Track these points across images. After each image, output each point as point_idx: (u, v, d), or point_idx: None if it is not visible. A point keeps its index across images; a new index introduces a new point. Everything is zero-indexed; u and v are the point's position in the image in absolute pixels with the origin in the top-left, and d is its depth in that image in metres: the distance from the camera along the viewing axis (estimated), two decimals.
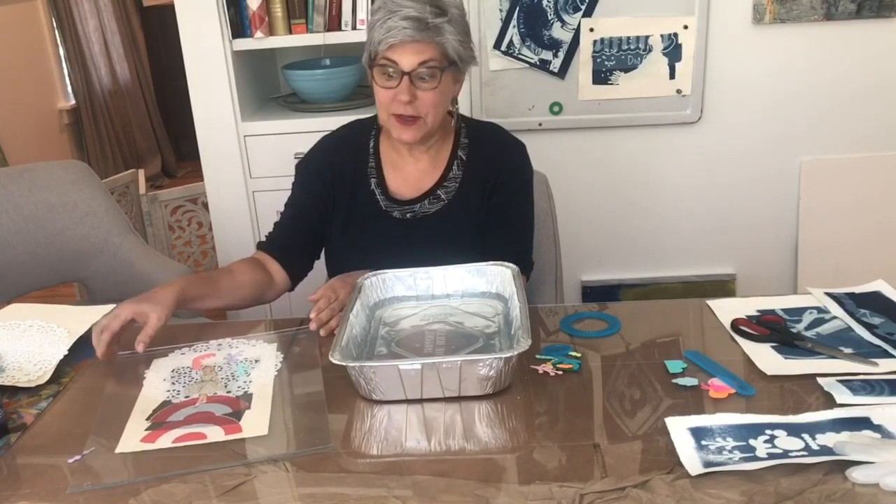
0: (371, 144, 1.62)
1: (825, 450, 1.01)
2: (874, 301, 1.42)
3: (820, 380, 1.17)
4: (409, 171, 1.59)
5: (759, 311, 1.41)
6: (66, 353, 1.41)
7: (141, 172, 3.18)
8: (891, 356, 1.23)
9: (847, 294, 1.45)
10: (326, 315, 1.42)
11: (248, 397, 1.24)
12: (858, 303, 1.41)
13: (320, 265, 1.70)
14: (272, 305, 2.47)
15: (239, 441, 1.13)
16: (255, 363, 1.34)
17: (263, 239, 1.65)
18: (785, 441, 1.04)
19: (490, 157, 1.59)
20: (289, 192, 1.67)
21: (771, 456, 1.00)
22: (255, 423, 1.17)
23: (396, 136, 1.51)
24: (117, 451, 1.13)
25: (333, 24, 2.34)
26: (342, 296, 1.44)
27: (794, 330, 1.34)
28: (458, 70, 1.49)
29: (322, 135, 1.69)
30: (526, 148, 1.63)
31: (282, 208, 1.66)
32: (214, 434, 1.14)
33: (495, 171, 1.58)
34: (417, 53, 1.42)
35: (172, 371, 1.33)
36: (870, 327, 1.32)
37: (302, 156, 1.67)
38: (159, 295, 1.37)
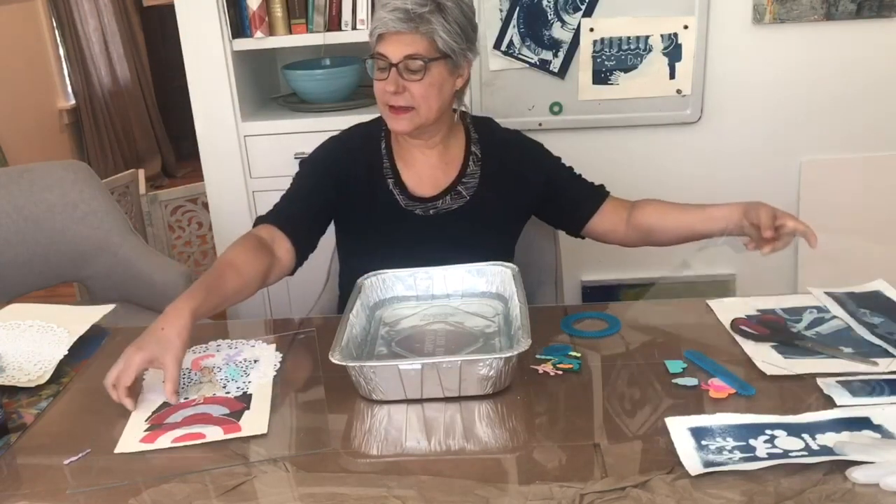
0: (383, 146, 1.62)
1: (825, 450, 1.01)
2: (874, 301, 1.42)
3: (819, 382, 1.17)
4: (422, 169, 1.60)
5: (759, 310, 1.42)
6: (66, 353, 1.40)
7: (141, 172, 3.19)
8: (891, 356, 1.23)
9: (847, 294, 1.45)
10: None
11: (246, 398, 1.24)
12: (858, 302, 1.41)
13: (323, 253, 1.68)
14: (272, 306, 2.48)
15: (239, 441, 1.13)
16: (254, 364, 1.34)
17: (263, 214, 1.54)
18: (785, 441, 1.04)
19: (503, 158, 1.62)
20: None
21: (771, 456, 1.00)
22: (255, 422, 1.17)
23: (391, 127, 1.54)
24: (116, 451, 1.13)
25: (333, 24, 2.34)
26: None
27: (794, 330, 1.34)
28: (453, 63, 1.50)
29: (322, 135, 1.68)
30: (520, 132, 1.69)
31: None
32: (213, 433, 1.14)
33: (516, 170, 1.61)
34: (404, 45, 1.44)
35: None
36: (870, 327, 1.32)
37: (304, 156, 1.66)
38: (168, 333, 1.20)
